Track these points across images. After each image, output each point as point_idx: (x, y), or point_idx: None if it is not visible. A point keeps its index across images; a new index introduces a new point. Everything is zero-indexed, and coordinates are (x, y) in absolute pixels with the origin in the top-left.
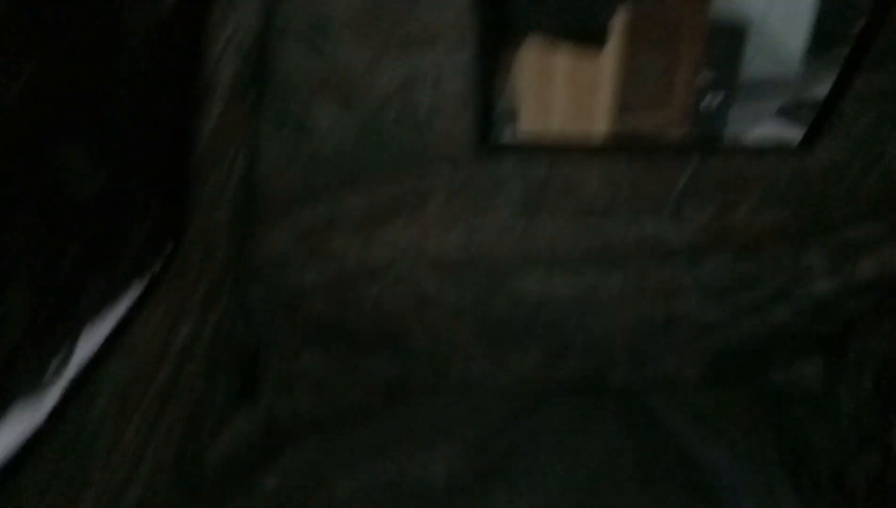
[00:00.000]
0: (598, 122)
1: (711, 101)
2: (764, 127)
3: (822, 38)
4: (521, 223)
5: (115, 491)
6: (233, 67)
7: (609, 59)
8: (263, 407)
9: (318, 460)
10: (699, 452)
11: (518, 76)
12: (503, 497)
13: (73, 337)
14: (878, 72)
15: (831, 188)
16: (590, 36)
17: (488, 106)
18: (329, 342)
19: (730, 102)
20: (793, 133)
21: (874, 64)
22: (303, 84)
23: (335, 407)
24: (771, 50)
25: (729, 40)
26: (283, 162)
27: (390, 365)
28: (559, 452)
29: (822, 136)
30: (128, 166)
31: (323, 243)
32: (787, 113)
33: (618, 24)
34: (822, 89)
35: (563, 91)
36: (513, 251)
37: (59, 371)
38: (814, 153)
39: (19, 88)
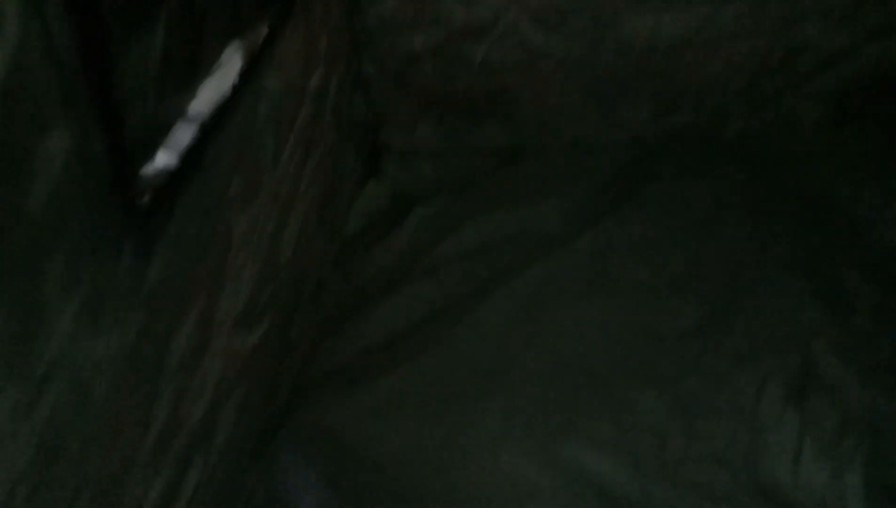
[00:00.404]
0: None
1: None
2: None
3: None
4: None
5: (279, 211)
6: None
7: None
8: (389, 178)
9: (444, 216)
10: (823, 187)
11: None
12: (617, 233)
13: (239, 37)
14: None
15: None
16: None
17: None
18: (441, 113)
19: None
20: None
21: None
22: None
23: (453, 174)
24: None
25: None
26: None
27: (501, 132)
28: (672, 191)
29: None
30: None
31: (428, 1)
32: None
33: None
34: None
35: None
36: None
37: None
38: None
39: None
